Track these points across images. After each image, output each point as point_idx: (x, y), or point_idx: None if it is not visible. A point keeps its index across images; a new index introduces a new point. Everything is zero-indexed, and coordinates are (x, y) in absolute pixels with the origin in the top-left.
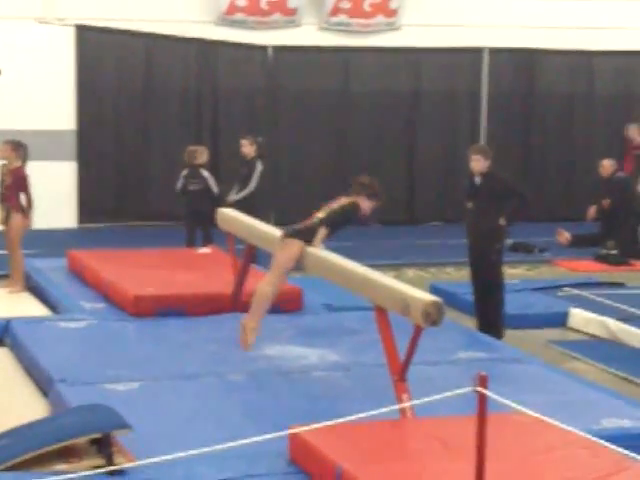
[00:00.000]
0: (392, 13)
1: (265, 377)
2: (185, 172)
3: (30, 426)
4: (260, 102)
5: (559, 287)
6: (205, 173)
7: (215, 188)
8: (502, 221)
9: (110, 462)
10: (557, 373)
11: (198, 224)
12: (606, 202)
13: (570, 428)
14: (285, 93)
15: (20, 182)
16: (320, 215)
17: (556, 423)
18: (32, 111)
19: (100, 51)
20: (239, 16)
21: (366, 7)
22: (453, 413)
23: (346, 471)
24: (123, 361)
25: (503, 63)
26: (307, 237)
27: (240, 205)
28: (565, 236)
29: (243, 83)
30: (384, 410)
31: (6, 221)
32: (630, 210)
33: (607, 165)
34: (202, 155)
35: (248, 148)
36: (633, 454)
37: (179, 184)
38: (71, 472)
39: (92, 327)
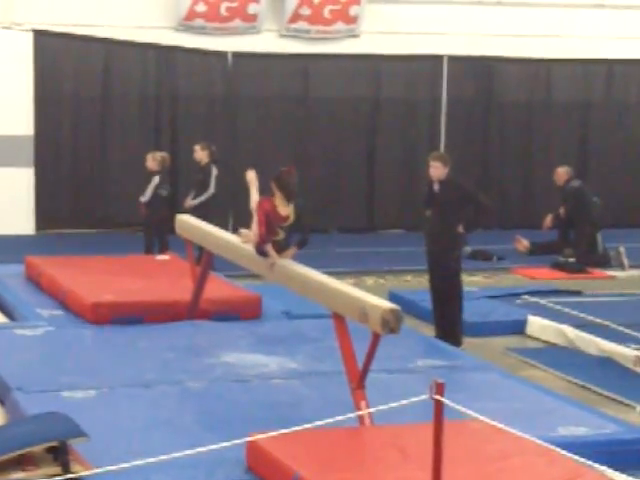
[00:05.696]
0: (352, 20)
1: (223, 385)
2: (157, 179)
3: None
4: (219, 108)
5: (517, 295)
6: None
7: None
8: (460, 229)
9: (66, 470)
10: (515, 381)
11: (158, 231)
12: (562, 210)
13: (527, 436)
14: (244, 99)
15: None
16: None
17: (513, 431)
18: None
19: (58, 56)
20: (198, 22)
21: (326, 14)
22: (411, 421)
23: (303, 479)
24: (80, 369)
25: (462, 71)
26: None
27: (197, 210)
28: (523, 244)
29: (202, 89)
30: (342, 418)
31: None
32: (586, 218)
33: (561, 172)
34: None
35: (200, 153)
36: (589, 462)
37: (148, 194)
38: None
39: (49, 334)
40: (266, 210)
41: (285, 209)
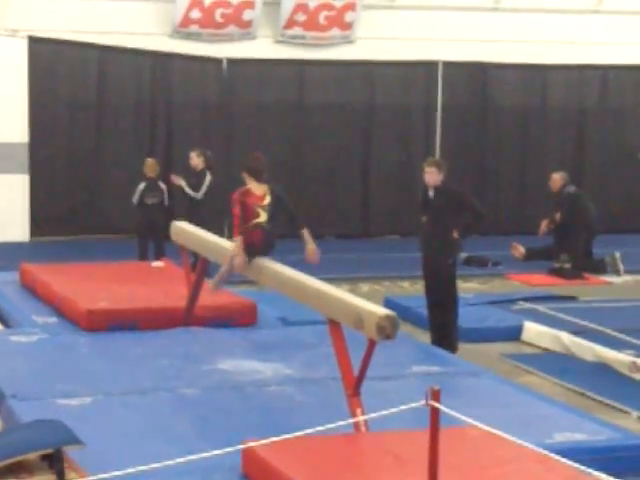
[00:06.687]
0: (347, 26)
1: (219, 391)
2: (143, 185)
3: None
4: (214, 115)
5: (513, 301)
6: (163, 185)
7: (167, 201)
8: (455, 235)
9: (61, 478)
10: (511, 387)
11: (151, 237)
12: (557, 216)
13: (523, 442)
14: (240, 106)
15: None
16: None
17: (509, 437)
18: None
19: (53, 63)
20: (194, 28)
21: (321, 20)
22: (407, 427)
23: None
24: (75, 376)
25: (457, 76)
26: None
27: (186, 214)
28: (520, 250)
29: (197, 96)
30: (338, 424)
31: None
32: (581, 223)
33: (556, 178)
34: (158, 167)
35: (195, 160)
36: (585, 468)
37: (136, 197)
38: None
39: (44, 341)
40: (237, 200)
41: (259, 189)
